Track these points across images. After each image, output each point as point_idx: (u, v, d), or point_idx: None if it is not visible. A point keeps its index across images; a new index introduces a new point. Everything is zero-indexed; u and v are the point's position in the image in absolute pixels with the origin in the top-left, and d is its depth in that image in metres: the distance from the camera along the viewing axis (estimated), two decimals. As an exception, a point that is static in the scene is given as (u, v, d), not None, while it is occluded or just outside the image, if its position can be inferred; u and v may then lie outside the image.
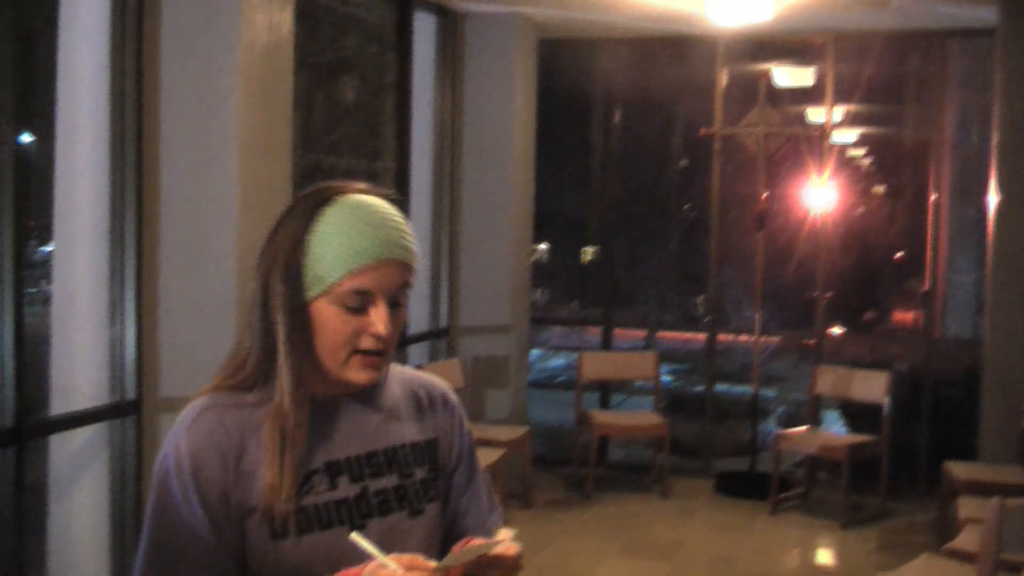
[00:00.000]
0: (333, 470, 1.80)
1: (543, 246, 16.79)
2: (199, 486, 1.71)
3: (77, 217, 4.65)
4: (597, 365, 8.34)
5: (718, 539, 7.07)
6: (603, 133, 9.28)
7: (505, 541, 1.72)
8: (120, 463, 4.69)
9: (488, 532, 1.96)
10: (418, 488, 1.89)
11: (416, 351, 7.60)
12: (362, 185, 1.83)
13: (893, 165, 11.29)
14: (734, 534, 7.11)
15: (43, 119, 4.53)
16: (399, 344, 7.01)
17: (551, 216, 11.84)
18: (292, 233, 1.75)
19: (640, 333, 13.86)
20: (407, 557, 1.63)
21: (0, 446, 3.92)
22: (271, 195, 4.82)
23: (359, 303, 1.74)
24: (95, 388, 4.67)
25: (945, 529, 6.50)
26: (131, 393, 4.66)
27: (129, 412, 4.66)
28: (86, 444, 4.69)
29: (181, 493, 1.71)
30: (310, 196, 1.79)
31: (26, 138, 4.02)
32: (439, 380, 2.06)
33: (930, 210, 8.29)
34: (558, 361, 14.73)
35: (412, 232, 1.82)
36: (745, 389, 9.15)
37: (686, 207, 15.37)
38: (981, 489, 6.14)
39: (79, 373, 4.68)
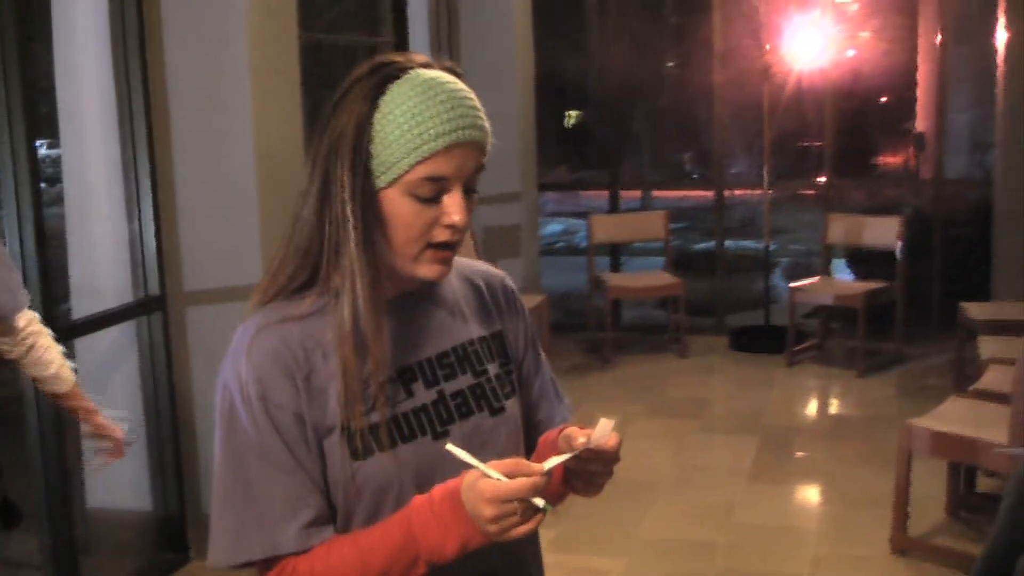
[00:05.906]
0: (406, 377, 1.65)
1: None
2: (270, 413, 1.56)
3: (83, 112, 4.56)
4: (607, 228, 8.30)
5: (740, 394, 7.13)
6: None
7: (606, 431, 1.57)
8: (150, 359, 4.65)
9: (559, 422, 1.85)
10: (494, 385, 1.75)
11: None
12: (423, 58, 1.64)
13: (882, 7, 11.13)
14: (755, 388, 7.16)
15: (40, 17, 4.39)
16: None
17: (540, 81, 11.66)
18: (356, 117, 1.56)
19: (635, 194, 13.81)
20: (509, 461, 1.47)
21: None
22: (281, 78, 4.71)
23: (433, 191, 1.57)
24: (118, 286, 4.62)
25: (962, 370, 6.56)
26: (155, 289, 4.61)
27: (154, 308, 4.61)
28: (115, 342, 4.66)
29: (251, 422, 1.56)
30: (371, 74, 1.59)
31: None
32: (494, 268, 1.92)
33: (921, 50, 8.17)
34: (555, 227, 14.70)
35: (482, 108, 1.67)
36: (748, 244, 9.14)
37: (670, 64, 15.25)
38: (1000, 328, 6.17)
39: (101, 272, 4.63)
